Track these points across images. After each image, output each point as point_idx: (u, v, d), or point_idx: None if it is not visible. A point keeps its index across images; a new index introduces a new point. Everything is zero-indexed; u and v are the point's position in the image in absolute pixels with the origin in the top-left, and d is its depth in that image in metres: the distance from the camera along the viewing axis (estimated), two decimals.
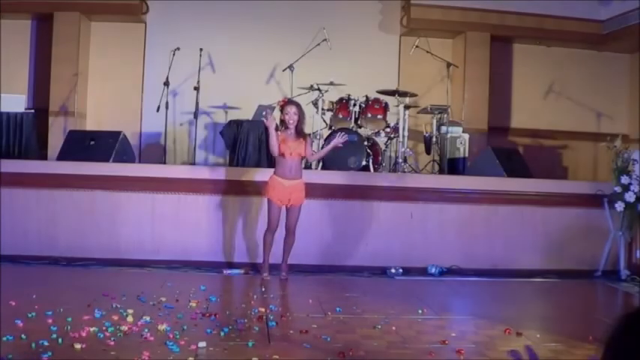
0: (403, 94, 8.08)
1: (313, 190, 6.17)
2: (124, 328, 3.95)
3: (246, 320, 4.34)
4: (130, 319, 4.17)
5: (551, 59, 9.71)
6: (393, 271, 6.39)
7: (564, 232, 6.89)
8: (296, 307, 4.89)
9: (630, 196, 6.53)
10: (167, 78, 8.01)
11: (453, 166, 7.97)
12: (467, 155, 8.05)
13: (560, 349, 3.94)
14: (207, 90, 8.65)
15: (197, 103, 8.09)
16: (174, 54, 8.06)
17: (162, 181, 6.58)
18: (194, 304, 4.72)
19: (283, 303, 4.88)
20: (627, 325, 1.25)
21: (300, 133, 5.72)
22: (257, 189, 6.57)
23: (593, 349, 3.89)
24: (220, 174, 6.77)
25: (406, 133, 7.91)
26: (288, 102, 5.88)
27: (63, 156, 6.87)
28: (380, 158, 7.71)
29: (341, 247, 6.59)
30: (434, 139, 8.21)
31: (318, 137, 7.79)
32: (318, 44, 8.31)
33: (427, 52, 8.55)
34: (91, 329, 3.86)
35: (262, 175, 6.76)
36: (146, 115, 8.96)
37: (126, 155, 7.10)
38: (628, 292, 6.18)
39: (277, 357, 3.55)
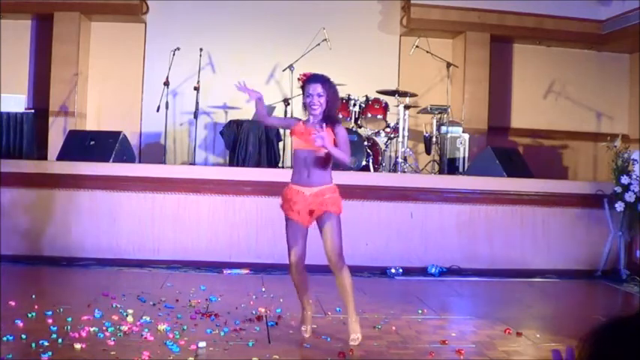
0: (403, 94, 8.08)
1: None
2: (124, 328, 3.95)
3: (246, 320, 4.34)
4: (130, 319, 4.17)
5: (551, 59, 9.70)
6: (393, 271, 6.40)
7: (564, 232, 6.89)
8: (296, 307, 4.89)
9: (630, 196, 6.54)
10: (167, 78, 8.01)
11: (453, 166, 7.97)
12: (467, 155, 8.04)
13: (560, 349, 3.93)
14: (207, 90, 8.65)
15: (197, 103, 8.09)
16: (174, 54, 8.07)
17: (162, 181, 6.58)
18: (194, 304, 4.73)
19: (283, 303, 4.87)
20: (614, 335, 1.20)
21: (330, 120, 3.90)
22: (257, 189, 6.57)
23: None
24: (220, 174, 6.76)
25: (406, 133, 7.92)
26: (310, 78, 4.03)
27: (63, 156, 6.88)
28: (380, 158, 7.71)
29: None
30: (434, 139, 8.21)
31: None
32: (318, 44, 8.31)
33: (427, 52, 8.56)
34: (91, 329, 3.86)
35: (262, 174, 6.77)
36: (146, 115, 8.95)
37: (126, 155, 7.10)
38: (628, 292, 6.19)
39: (277, 357, 3.55)
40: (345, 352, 3.69)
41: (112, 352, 3.51)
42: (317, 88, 3.87)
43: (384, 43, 9.40)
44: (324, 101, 3.89)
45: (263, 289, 5.41)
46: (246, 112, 8.28)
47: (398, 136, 7.85)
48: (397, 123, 7.88)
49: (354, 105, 7.79)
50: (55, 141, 8.13)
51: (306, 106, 3.95)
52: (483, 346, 3.96)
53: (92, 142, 6.98)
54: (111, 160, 6.78)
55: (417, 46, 8.51)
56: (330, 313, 4.68)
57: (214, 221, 6.57)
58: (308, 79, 3.98)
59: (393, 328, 4.33)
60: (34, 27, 9.03)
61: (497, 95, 9.44)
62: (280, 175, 6.81)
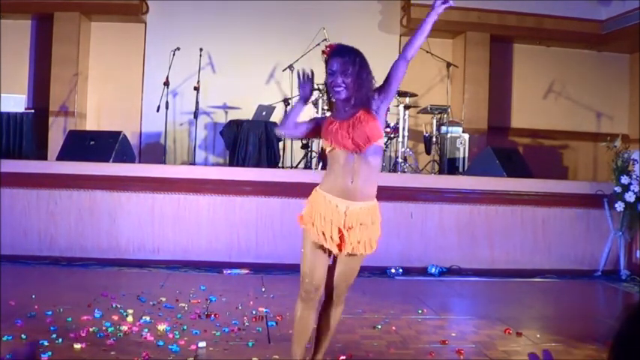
0: (403, 94, 8.08)
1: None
2: (124, 328, 3.95)
3: (246, 320, 4.34)
4: (130, 319, 4.17)
5: (551, 59, 9.71)
6: (393, 271, 6.39)
7: (564, 232, 6.89)
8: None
9: (630, 196, 6.54)
10: (167, 78, 8.02)
11: (453, 166, 7.98)
12: (467, 155, 8.05)
13: (560, 349, 3.94)
14: (207, 90, 8.66)
15: (197, 103, 8.09)
16: (174, 54, 8.07)
17: (162, 181, 6.58)
18: (194, 304, 4.73)
19: (283, 303, 4.87)
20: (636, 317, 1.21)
21: (361, 102, 2.91)
22: (257, 189, 6.57)
23: (593, 349, 3.90)
24: (220, 174, 6.77)
25: (406, 133, 7.92)
26: (334, 50, 3.06)
27: (63, 156, 6.88)
28: None
29: None
30: (434, 139, 8.22)
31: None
32: (318, 44, 8.30)
33: (427, 52, 8.55)
34: (91, 329, 3.86)
35: (262, 174, 6.77)
36: (146, 115, 8.96)
37: (126, 155, 7.10)
38: (628, 292, 6.18)
39: (277, 357, 3.55)
40: (345, 352, 3.69)
41: (112, 352, 3.51)
42: (340, 64, 2.90)
43: (384, 43, 9.39)
44: (352, 81, 2.86)
45: (263, 289, 5.41)
46: (246, 112, 8.28)
47: (398, 136, 7.85)
48: (397, 123, 7.88)
49: None
50: (55, 141, 8.13)
51: (327, 88, 2.96)
52: (483, 346, 3.96)
53: (92, 142, 6.98)
54: (111, 160, 6.78)
55: None
56: None
57: (214, 221, 6.57)
58: (331, 52, 3.00)
59: (393, 328, 4.32)
60: (34, 27, 9.03)
61: (497, 95, 9.45)
62: (280, 175, 6.83)
